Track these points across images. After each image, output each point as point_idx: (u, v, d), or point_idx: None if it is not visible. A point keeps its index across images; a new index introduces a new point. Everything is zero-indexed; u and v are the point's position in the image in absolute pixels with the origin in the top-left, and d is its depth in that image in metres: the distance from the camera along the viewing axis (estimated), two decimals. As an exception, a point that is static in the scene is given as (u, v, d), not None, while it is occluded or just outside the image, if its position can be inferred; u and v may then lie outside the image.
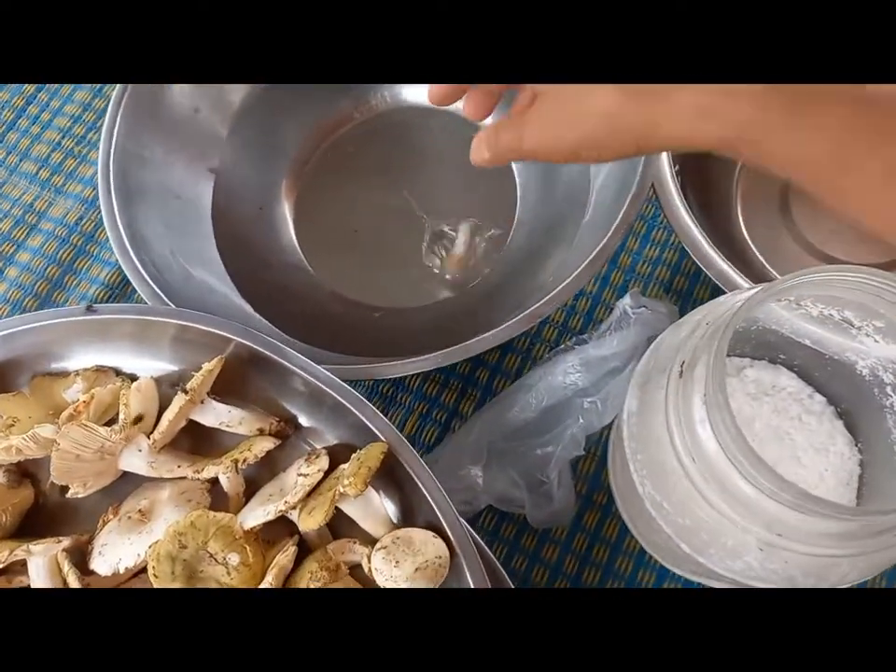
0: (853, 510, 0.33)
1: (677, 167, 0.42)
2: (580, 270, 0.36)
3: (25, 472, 0.37)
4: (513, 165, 0.51)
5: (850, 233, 0.46)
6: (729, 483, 0.29)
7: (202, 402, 0.35)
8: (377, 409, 0.47)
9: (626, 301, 0.42)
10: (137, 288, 0.40)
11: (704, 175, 0.45)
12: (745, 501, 0.29)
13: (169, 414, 0.33)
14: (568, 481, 0.41)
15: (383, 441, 0.33)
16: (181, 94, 0.47)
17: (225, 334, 0.36)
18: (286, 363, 0.35)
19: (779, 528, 0.29)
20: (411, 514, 0.34)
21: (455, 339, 0.38)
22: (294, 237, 0.51)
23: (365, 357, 0.41)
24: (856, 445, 0.38)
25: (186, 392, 0.33)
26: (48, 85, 0.59)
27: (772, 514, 0.28)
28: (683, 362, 0.31)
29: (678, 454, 0.31)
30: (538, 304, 0.36)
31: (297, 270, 0.50)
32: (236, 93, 0.49)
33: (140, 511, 0.34)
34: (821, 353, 0.35)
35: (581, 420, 0.40)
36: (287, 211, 0.51)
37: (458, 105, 0.52)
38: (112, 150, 0.43)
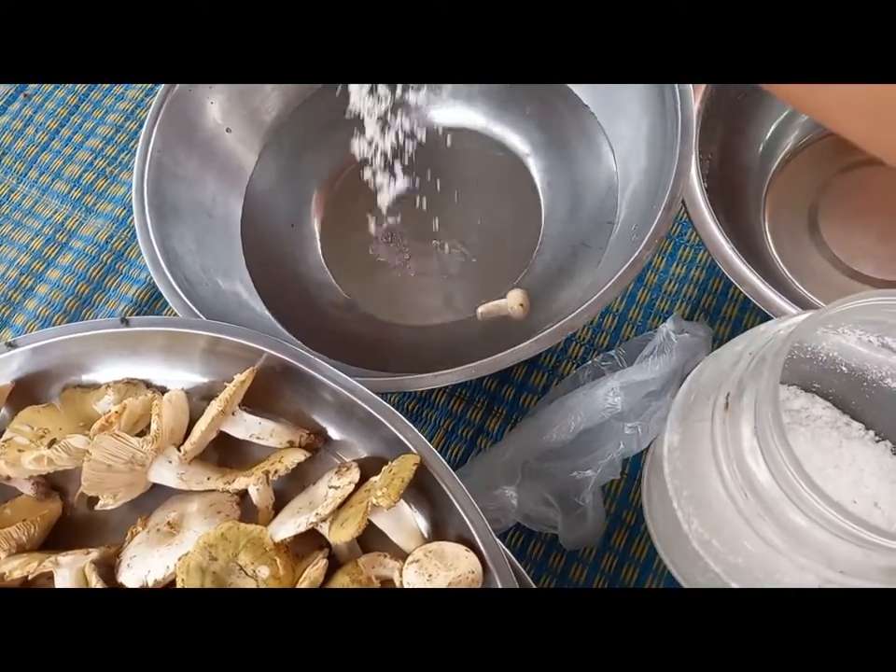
0: None
1: (706, 184, 0.43)
2: (609, 284, 0.36)
3: (53, 485, 0.37)
4: (539, 184, 0.51)
5: (880, 249, 0.45)
6: (784, 517, 0.28)
7: (233, 414, 0.35)
8: (404, 425, 0.47)
9: (669, 325, 0.42)
10: (169, 301, 0.40)
11: (731, 190, 0.45)
12: (803, 537, 0.28)
13: (201, 425, 0.33)
14: (600, 502, 0.40)
15: (415, 454, 0.33)
16: (215, 114, 0.47)
17: (256, 346, 0.36)
18: (317, 375, 0.35)
19: (842, 565, 0.27)
20: (442, 529, 0.34)
21: (481, 355, 0.38)
22: (321, 255, 0.51)
23: (390, 373, 0.41)
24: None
25: (217, 403, 0.33)
26: (81, 108, 0.61)
27: (834, 550, 0.27)
28: (728, 394, 0.30)
29: (727, 488, 0.30)
30: (567, 318, 0.36)
31: (324, 287, 0.50)
32: (268, 114, 0.50)
33: (169, 523, 0.34)
34: (860, 379, 0.35)
35: (622, 445, 0.39)
36: (315, 229, 0.51)
37: (484, 125, 0.53)
38: (147, 166, 0.43)
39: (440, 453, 0.46)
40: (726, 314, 0.47)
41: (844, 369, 0.34)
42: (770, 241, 0.47)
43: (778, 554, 0.29)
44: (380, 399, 0.34)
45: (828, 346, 0.36)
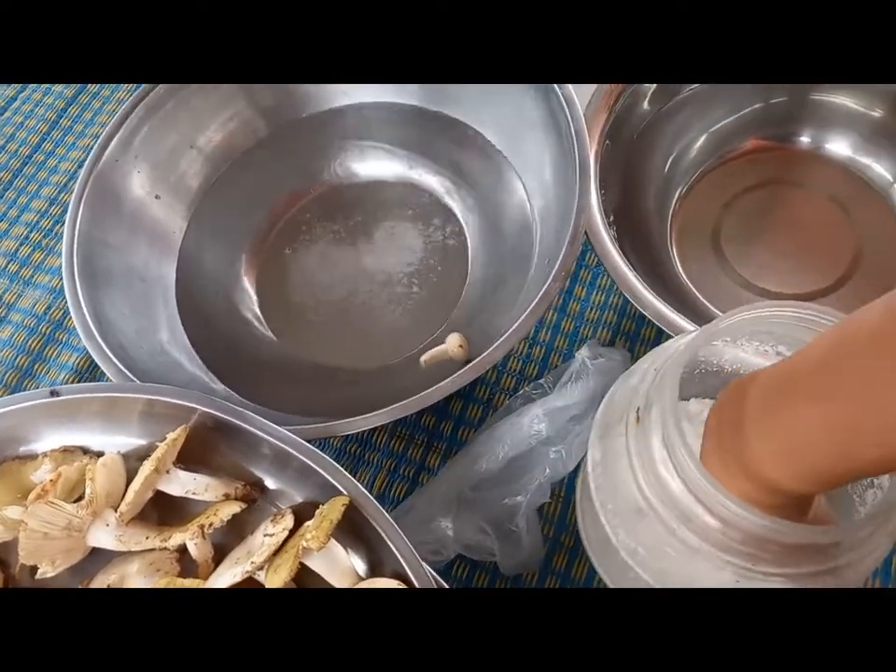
0: (824, 532, 0.33)
1: (612, 216, 0.46)
2: (521, 318, 0.38)
3: (-5, 558, 0.38)
4: (464, 225, 0.54)
5: (781, 265, 0.49)
6: (698, 519, 0.30)
7: (167, 472, 0.36)
8: (346, 468, 0.48)
9: (584, 352, 0.44)
10: (103, 368, 0.41)
11: (637, 221, 0.48)
12: (714, 536, 0.30)
13: (135, 486, 0.34)
14: (536, 526, 0.42)
15: (345, 495, 0.34)
16: (143, 182, 0.49)
17: (188, 404, 0.37)
18: (248, 427, 0.37)
19: (752, 558, 0.29)
20: (379, 567, 0.35)
21: (419, 392, 0.39)
22: (258, 309, 0.52)
23: (334, 419, 0.43)
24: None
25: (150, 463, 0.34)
26: (14, 183, 0.62)
27: (744, 545, 0.29)
28: (638, 409, 0.32)
29: (645, 497, 0.31)
30: (483, 355, 0.38)
31: (262, 340, 0.51)
32: (194, 179, 0.51)
33: (109, 585, 0.34)
34: None
35: (548, 470, 0.41)
36: (249, 286, 0.53)
37: (407, 174, 0.55)
38: (76, 238, 0.45)
39: (384, 492, 0.47)
40: (644, 335, 0.49)
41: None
42: (679, 265, 0.50)
43: (697, 555, 0.31)
44: (312, 447, 0.36)
45: (730, 359, 0.38)
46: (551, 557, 0.44)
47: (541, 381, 0.46)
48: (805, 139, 0.49)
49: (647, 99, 0.47)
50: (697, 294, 0.49)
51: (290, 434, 0.36)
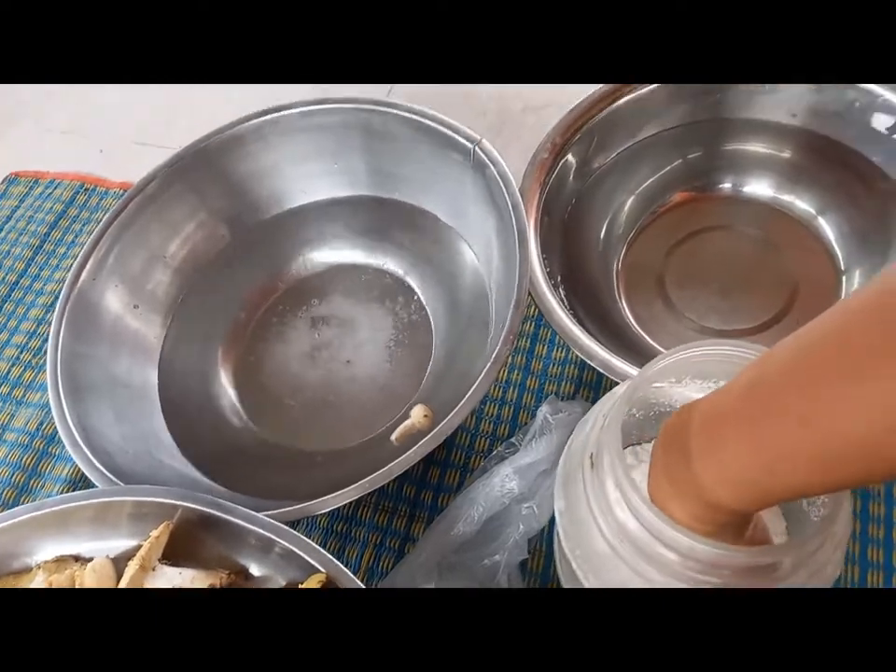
0: (772, 551, 0.33)
1: (557, 278, 0.49)
2: (475, 386, 0.41)
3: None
4: (424, 300, 0.57)
5: (723, 304, 0.51)
6: (657, 555, 0.31)
7: (153, 569, 0.37)
8: (334, 547, 0.50)
9: (544, 409, 0.46)
10: (90, 476, 0.43)
11: (583, 279, 0.51)
12: (676, 571, 0.31)
13: (122, 584, 0.36)
14: (518, 583, 0.43)
15: (322, 572, 0.36)
16: (119, 296, 0.52)
17: (170, 501, 0.39)
18: (230, 518, 0.39)
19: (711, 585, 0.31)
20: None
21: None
22: (236, 401, 0.55)
23: (309, 499, 0.44)
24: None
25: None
26: (4, 308, 0.66)
27: (702, 573, 0.30)
28: (591, 454, 0.34)
29: (607, 539, 0.33)
30: (440, 425, 0.40)
31: (243, 432, 0.54)
32: (168, 288, 0.55)
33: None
34: None
35: (522, 526, 0.43)
36: (226, 380, 0.56)
37: (368, 259, 0.59)
38: (59, 355, 0.48)
39: (372, 566, 0.49)
40: (606, 384, 0.52)
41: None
42: (629, 316, 0.52)
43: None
44: (292, 530, 0.38)
45: (677, 398, 0.40)
46: (538, 612, 0.45)
47: (512, 439, 0.48)
48: (727, 185, 0.53)
49: (572, 173, 0.51)
50: (650, 341, 0.51)
51: (270, 520, 0.38)
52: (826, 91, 0.47)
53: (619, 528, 0.32)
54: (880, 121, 0.47)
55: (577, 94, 0.53)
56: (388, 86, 0.72)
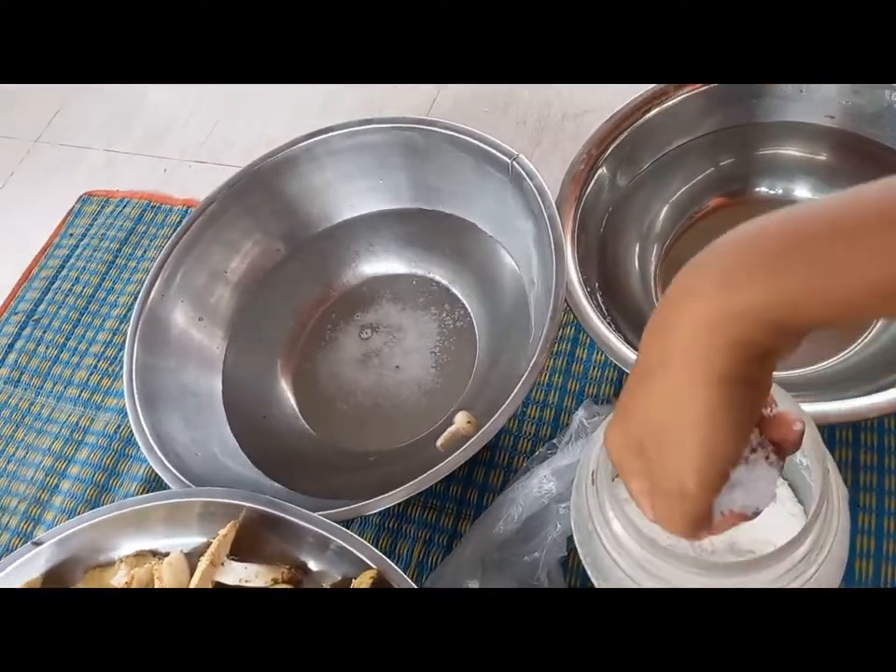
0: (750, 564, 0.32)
1: (596, 286, 0.50)
2: (514, 393, 0.43)
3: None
4: (468, 307, 0.59)
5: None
6: (651, 566, 0.32)
7: (222, 564, 0.41)
8: (386, 543, 0.53)
9: (580, 413, 0.48)
10: (163, 477, 0.47)
11: (622, 290, 0.52)
12: (669, 580, 0.31)
13: (195, 580, 0.40)
14: (559, 579, 0.45)
15: (373, 568, 0.39)
16: (184, 311, 0.57)
17: (236, 502, 0.43)
18: (290, 517, 0.42)
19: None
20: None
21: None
22: (295, 406, 0.59)
23: (368, 498, 0.48)
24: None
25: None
26: (82, 320, 0.71)
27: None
28: (593, 472, 0.34)
29: (607, 550, 0.34)
30: (479, 432, 0.42)
31: (301, 434, 0.57)
32: (229, 301, 0.59)
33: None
34: None
35: (560, 525, 0.45)
36: (286, 387, 0.59)
37: (414, 269, 0.62)
38: (134, 367, 0.52)
39: (422, 561, 0.52)
40: (644, 388, 0.53)
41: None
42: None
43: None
44: (345, 529, 0.41)
45: None
46: (579, 607, 0.47)
47: (554, 440, 0.50)
48: (763, 189, 0.53)
49: (608, 183, 0.52)
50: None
51: (326, 519, 0.41)
52: (863, 93, 0.47)
53: (617, 541, 0.33)
54: (918, 121, 0.47)
55: (612, 100, 0.54)
56: (431, 99, 0.75)
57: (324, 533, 0.41)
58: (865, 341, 0.47)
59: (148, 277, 0.55)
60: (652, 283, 0.54)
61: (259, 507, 0.42)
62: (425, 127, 0.55)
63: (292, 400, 0.59)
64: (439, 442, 0.52)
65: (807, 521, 0.28)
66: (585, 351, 0.56)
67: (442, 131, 0.54)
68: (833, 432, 0.49)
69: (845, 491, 0.32)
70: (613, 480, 0.34)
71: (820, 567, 0.29)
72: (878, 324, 0.47)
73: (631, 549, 0.31)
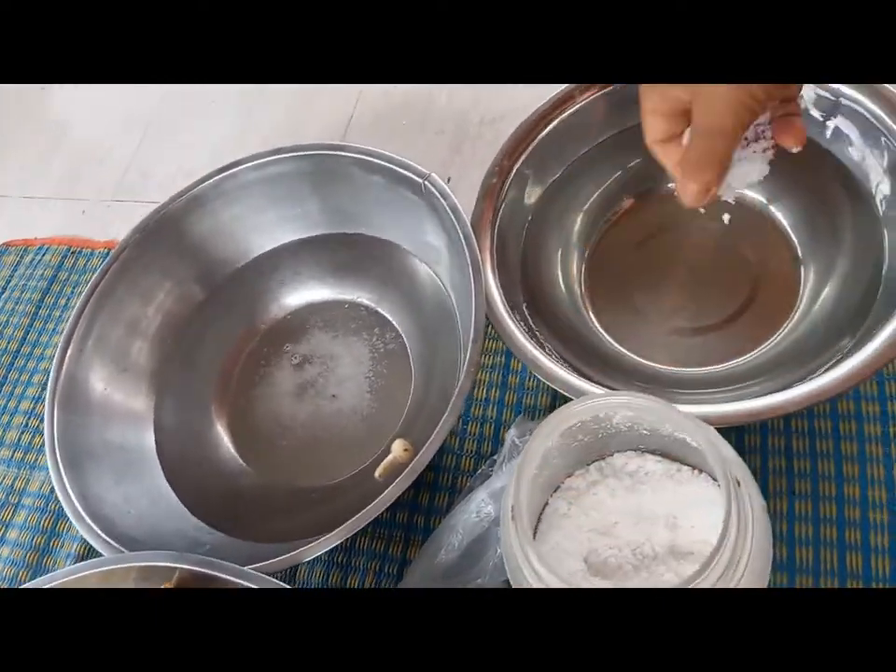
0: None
1: (521, 298, 0.50)
2: (443, 420, 0.42)
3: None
4: (399, 329, 0.58)
5: (690, 302, 0.52)
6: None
7: (157, 632, 0.40)
8: (336, 578, 0.52)
9: (512, 432, 0.47)
10: (94, 546, 0.46)
11: (549, 302, 0.52)
12: None
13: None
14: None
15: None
16: (103, 367, 0.55)
17: (166, 564, 0.41)
18: (223, 575, 0.41)
19: None
20: None
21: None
22: (233, 450, 0.57)
23: (313, 537, 0.47)
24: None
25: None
26: (9, 376, 0.69)
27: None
28: (512, 507, 0.34)
29: (528, 583, 0.34)
30: (415, 460, 0.42)
31: (241, 476, 0.56)
32: (153, 349, 0.57)
33: None
34: (660, 434, 0.40)
35: (499, 549, 0.44)
36: (221, 429, 0.58)
37: (341, 294, 0.60)
38: (55, 432, 0.50)
39: (373, 594, 0.51)
40: (579, 395, 0.53)
41: (645, 431, 0.40)
42: (597, 325, 0.53)
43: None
44: (281, 583, 0.40)
45: (619, 420, 0.40)
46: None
47: (495, 457, 0.50)
48: (673, 185, 0.53)
49: (524, 194, 0.51)
50: (622, 350, 0.52)
51: (261, 574, 0.40)
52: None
53: (536, 575, 0.33)
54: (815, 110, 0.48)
55: (529, 105, 0.52)
56: (348, 117, 0.73)
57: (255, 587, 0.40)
58: (783, 333, 0.48)
59: (63, 335, 0.53)
60: (578, 289, 0.54)
61: (192, 567, 0.41)
62: (333, 152, 0.54)
63: (230, 443, 0.58)
64: (377, 473, 0.51)
65: (716, 543, 0.28)
66: (520, 363, 0.56)
67: (352, 155, 0.53)
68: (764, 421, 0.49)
69: (761, 501, 0.32)
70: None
71: (740, 584, 0.29)
72: (795, 316, 0.48)
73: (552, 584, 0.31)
